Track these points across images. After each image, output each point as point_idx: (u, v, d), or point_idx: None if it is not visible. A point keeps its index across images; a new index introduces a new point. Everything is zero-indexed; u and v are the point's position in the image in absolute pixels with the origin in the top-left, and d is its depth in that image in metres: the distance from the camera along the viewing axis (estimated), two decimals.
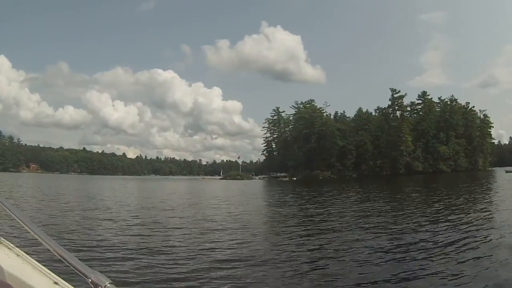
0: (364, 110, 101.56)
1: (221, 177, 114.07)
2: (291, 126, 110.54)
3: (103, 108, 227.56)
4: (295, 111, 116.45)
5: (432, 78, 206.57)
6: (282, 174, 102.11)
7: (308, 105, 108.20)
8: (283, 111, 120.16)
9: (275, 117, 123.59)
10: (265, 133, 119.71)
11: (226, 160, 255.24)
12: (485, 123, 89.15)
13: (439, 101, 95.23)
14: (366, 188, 37.94)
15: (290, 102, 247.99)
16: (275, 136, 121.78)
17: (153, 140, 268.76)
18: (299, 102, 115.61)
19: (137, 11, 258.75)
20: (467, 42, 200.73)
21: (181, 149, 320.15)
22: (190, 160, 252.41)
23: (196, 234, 11.33)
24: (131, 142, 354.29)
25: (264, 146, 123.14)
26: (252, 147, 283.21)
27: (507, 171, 60.08)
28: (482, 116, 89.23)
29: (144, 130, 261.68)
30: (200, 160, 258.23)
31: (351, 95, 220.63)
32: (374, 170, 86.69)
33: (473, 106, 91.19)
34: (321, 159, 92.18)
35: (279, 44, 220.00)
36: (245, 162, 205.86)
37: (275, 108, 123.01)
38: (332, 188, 38.90)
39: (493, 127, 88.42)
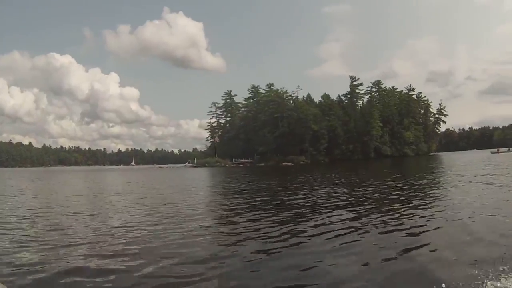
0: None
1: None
2: (251, 110, 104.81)
3: None
4: (251, 94, 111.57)
5: (332, 68, 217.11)
6: (247, 160, 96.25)
7: (269, 89, 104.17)
8: (235, 95, 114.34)
9: (227, 101, 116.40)
10: (211, 118, 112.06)
11: (131, 149, 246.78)
12: (441, 112, 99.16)
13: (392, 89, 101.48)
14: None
15: (189, 89, 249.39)
16: (222, 122, 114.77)
17: (49, 129, 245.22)
18: (257, 85, 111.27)
19: None
20: (368, 35, 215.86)
21: (78, 138, 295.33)
22: (94, 149, 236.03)
23: None
24: (26, 131, 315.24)
25: (209, 132, 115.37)
26: (149, 135, 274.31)
27: (492, 152, 66.08)
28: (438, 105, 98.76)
29: (40, 118, 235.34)
30: (104, 149, 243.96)
31: (250, 84, 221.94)
32: (346, 154, 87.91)
33: (425, 96, 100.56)
34: (293, 144, 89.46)
35: (180, 31, 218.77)
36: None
37: (226, 92, 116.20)
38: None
39: (448, 115, 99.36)
